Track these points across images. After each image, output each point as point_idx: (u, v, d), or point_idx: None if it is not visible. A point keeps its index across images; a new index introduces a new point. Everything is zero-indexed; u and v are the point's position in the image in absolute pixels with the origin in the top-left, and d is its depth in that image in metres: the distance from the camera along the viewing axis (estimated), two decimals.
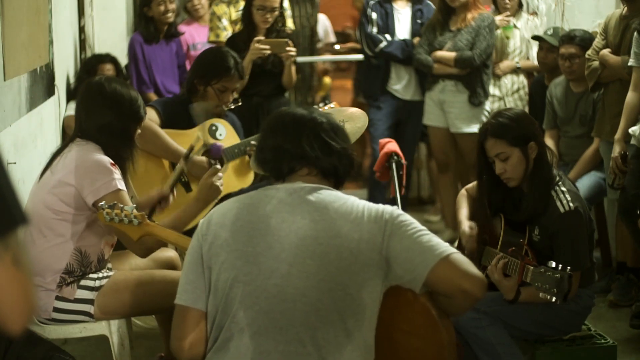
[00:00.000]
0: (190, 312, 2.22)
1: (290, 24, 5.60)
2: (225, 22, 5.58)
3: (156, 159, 3.99)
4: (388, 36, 5.71)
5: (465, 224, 3.40)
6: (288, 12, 5.62)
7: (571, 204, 3.13)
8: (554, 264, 2.83)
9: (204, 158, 4.06)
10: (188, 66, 5.61)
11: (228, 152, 4.15)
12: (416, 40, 5.70)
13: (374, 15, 5.74)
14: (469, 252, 3.35)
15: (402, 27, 5.77)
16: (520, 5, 5.74)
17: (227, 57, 4.17)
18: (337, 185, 2.32)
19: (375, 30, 5.72)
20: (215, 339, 2.19)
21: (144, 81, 5.55)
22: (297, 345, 2.12)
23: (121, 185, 3.04)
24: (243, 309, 2.15)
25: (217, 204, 3.85)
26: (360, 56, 6.25)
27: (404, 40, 5.71)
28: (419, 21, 5.77)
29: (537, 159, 3.19)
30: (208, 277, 2.21)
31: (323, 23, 7.87)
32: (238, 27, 5.25)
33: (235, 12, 5.31)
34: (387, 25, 5.74)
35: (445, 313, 2.22)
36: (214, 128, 4.17)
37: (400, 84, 5.81)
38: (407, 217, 2.22)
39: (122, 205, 2.91)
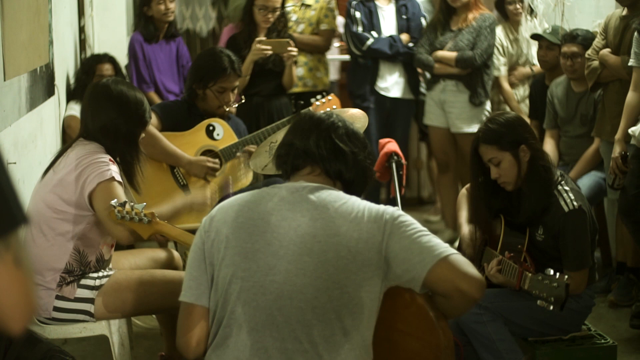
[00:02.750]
0: (195, 309, 2.23)
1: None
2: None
3: (155, 163, 3.99)
4: (374, 33, 5.69)
5: (465, 229, 3.41)
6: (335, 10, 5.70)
7: (575, 203, 3.14)
8: (552, 272, 2.82)
9: (203, 158, 4.05)
10: None
11: (226, 151, 4.14)
12: (403, 36, 5.70)
13: (357, 15, 5.72)
14: (469, 257, 3.35)
15: (387, 24, 5.75)
16: (530, 12, 5.73)
17: (221, 57, 4.14)
18: (348, 190, 2.31)
19: (360, 29, 5.69)
20: (215, 334, 2.21)
21: (144, 80, 5.54)
22: (294, 342, 2.13)
23: (117, 176, 3.03)
24: (241, 305, 2.16)
25: (216, 204, 3.86)
26: (346, 57, 6.24)
27: (390, 36, 5.69)
28: (404, 17, 5.74)
29: (531, 162, 3.20)
30: (210, 273, 2.22)
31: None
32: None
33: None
34: (372, 23, 5.71)
35: (444, 315, 2.22)
36: (211, 128, 4.16)
37: (389, 82, 5.79)
38: (407, 218, 2.22)
39: (132, 204, 2.92)
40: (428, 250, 2.15)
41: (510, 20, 5.76)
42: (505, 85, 5.70)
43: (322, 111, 2.42)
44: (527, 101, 5.60)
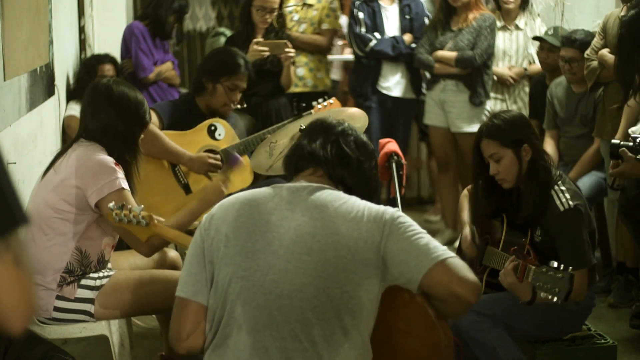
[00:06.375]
0: (189, 305, 2.22)
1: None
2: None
3: (156, 161, 3.99)
4: (377, 34, 5.68)
5: (466, 229, 3.40)
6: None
7: (570, 202, 3.13)
8: (555, 264, 2.82)
9: (204, 154, 4.05)
10: None
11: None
12: (406, 36, 5.70)
13: (360, 15, 5.70)
14: (469, 258, 3.34)
15: (391, 24, 5.74)
16: (523, 7, 5.69)
17: (237, 55, 4.23)
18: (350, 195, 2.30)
19: (363, 30, 5.68)
20: (214, 333, 2.20)
21: (147, 60, 5.49)
22: (294, 342, 2.13)
23: (125, 184, 3.04)
24: (241, 305, 2.16)
25: None
26: (350, 56, 6.23)
27: (393, 37, 5.68)
28: (407, 17, 5.73)
29: (532, 162, 3.20)
30: (210, 272, 2.22)
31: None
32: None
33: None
34: (375, 23, 5.70)
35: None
36: (213, 128, 4.16)
37: (391, 82, 5.78)
38: (407, 219, 2.21)
39: (130, 206, 2.92)
40: (425, 253, 2.15)
41: (502, 10, 5.72)
42: None
43: (336, 119, 2.43)
44: (526, 100, 5.60)
